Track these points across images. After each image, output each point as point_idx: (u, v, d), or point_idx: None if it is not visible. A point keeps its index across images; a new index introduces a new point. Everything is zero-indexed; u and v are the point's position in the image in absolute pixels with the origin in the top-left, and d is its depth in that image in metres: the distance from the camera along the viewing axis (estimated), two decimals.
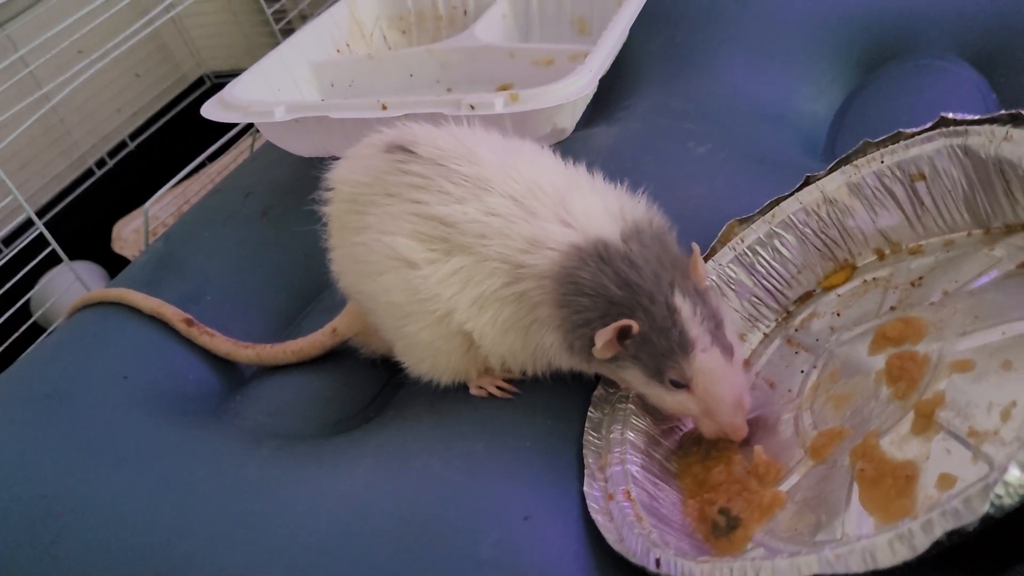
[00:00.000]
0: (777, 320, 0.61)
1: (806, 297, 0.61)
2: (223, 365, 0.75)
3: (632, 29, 0.93)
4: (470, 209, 0.55)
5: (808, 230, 0.60)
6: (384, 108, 0.76)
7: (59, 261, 1.12)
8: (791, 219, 0.60)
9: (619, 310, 0.51)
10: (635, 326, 0.51)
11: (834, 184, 0.59)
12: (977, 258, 0.51)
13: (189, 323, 0.75)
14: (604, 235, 0.53)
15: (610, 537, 0.48)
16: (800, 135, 0.81)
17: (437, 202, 0.56)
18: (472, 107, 0.72)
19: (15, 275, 1.16)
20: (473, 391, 0.61)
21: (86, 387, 0.71)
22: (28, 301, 1.22)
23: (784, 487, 0.49)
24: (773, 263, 0.61)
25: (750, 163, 0.74)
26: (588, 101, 0.81)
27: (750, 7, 0.91)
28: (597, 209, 0.55)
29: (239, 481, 0.60)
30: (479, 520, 0.51)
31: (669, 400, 0.53)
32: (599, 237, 0.53)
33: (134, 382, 0.72)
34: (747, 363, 0.60)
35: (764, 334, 0.61)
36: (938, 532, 0.36)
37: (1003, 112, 0.51)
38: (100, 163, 1.58)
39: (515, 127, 0.75)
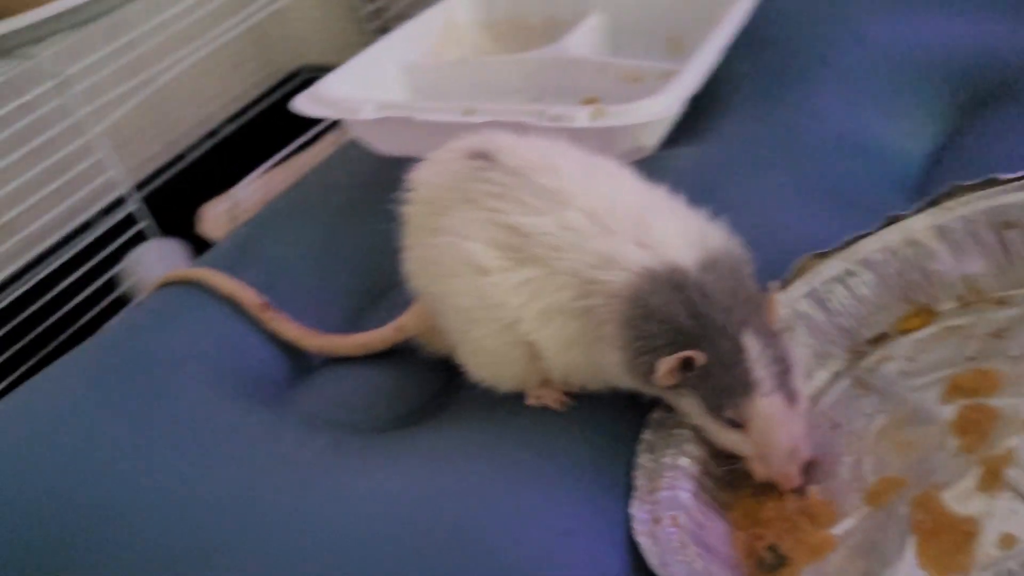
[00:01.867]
0: (847, 360, 0.59)
1: (880, 339, 0.59)
2: (291, 352, 0.76)
3: (727, 49, 0.93)
4: (547, 221, 0.55)
5: (889, 271, 0.58)
6: (469, 113, 0.76)
7: (147, 237, 1.16)
8: (871, 258, 0.59)
9: (686, 340, 0.51)
10: (699, 358, 0.50)
11: (920, 225, 0.57)
12: None
13: (264, 307, 0.77)
14: (680, 262, 0.53)
15: (653, 561, 0.47)
16: (890, 173, 0.79)
17: (514, 211, 0.56)
18: (555, 118, 0.72)
19: (106, 248, 1.20)
20: (530, 401, 0.61)
21: (159, 361, 0.73)
22: (116, 274, 1.27)
23: (837, 530, 0.48)
24: (848, 301, 0.59)
25: (832, 196, 0.72)
26: (673, 121, 0.80)
27: (851, 38, 0.89)
28: (676, 234, 0.54)
29: (293, 468, 0.61)
30: (520, 531, 0.51)
31: (724, 437, 0.52)
32: (675, 263, 0.53)
33: (204, 361, 0.74)
34: (812, 401, 0.58)
35: (833, 373, 0.59)
36: None
37: None
38: (194, 146, 1.63)
39: (597, 142, 0.75)
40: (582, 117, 0.72)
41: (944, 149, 0.81)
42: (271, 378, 0.75)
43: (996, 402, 0.46)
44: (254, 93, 1.73)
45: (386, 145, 0.86)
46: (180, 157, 1.59)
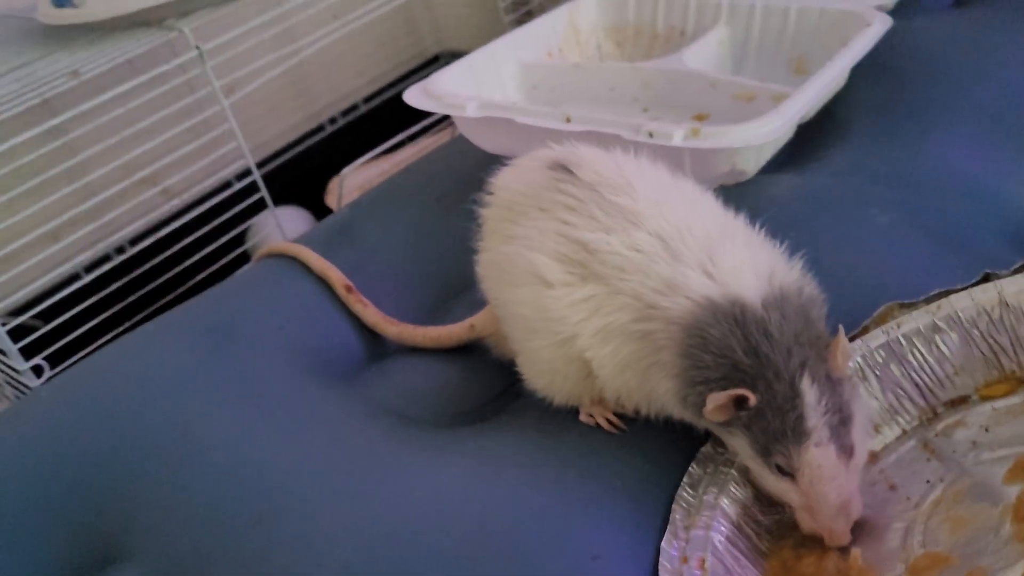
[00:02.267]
0: (920, 419, 0.56)
1: (959, 402, 0.55)
2: (368, 336, 0.78)
3: (854, 77, 0.89)
4: (615, 240, 0.55)
5: (976, 331, 0.55)
6: (568, 121, 0.76)
7: (266, 205, 1.21)
8: (958, 315, 0.55)
9: (741, 377, 0.49)
10: (752, 398, 0.48)
11: (1015, 287, 0.53)
12: None
13: (349, 289, 0.79)
14: (745, 296, 0.51)
15: None
16: (1007, 225, 0.73)
17: (584, 227, 0.56)
18: (651, 135, 0.71)
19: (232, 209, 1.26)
20: (582, 417, 0.60)
21: (245, 329, 0.76)
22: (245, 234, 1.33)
23: None
24: (928, 358, 0.56)
25: (937, 243, 0.68)
26: (777, 146, 0.77)
27: (985, 78, 0.84)
28: (745, 266, 0.53)
29: (349, 450, 0.62)
30: (549, 547, 0.51)
31: (771, 483, 0.51)
32: (739, 297, 0.51)
33: (287, 332, 0.77)
34: (874, 457, 0.55)
35: (903, 431, 0.56)
36: None
37: None
38: (332, 120, 1.69)
39: (693, 162, 0.73)
40: (678, 136, 0.70)
41: None
42: (347, 358, 0.77)
43: None
44: (395, 74, 1.77)
45: (488, 143, 0.86)
46: (319, 128, 1.65)
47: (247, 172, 1.35)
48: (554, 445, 0.59)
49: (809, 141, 0.87)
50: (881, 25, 0.85)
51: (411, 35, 1.80)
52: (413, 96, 0.86)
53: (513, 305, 0.59)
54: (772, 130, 0.70)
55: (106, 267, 1.12)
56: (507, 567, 0.50)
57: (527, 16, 1.62)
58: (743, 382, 0.49)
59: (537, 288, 0.57)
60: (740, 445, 0.51)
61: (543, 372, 0.60)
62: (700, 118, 0.88)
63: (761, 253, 0.54)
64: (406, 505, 0.55)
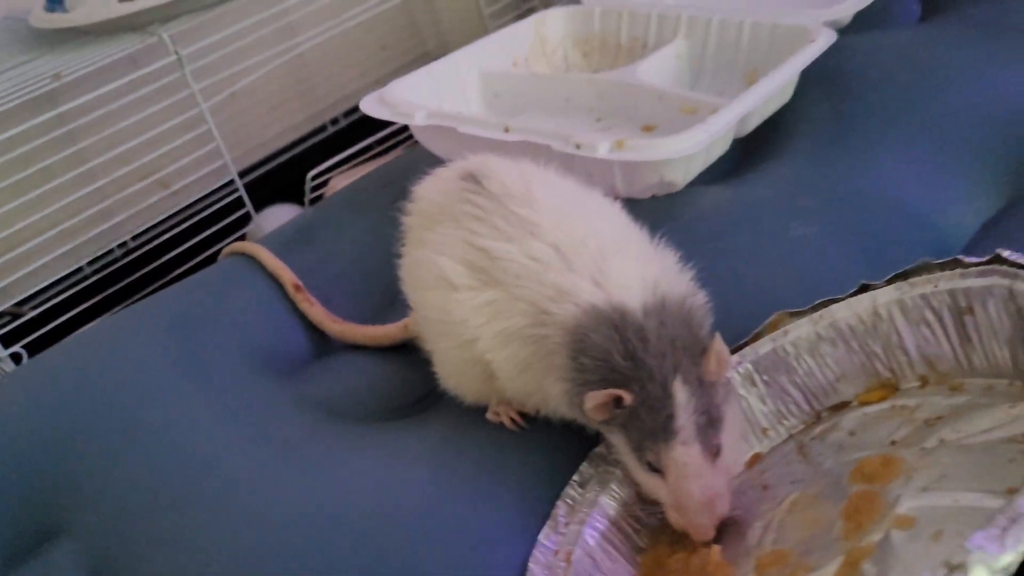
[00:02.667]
0: (805, 423, 0.58)
1: (841, 407, 0.58)
2: (314, 334, 0.82)
3: (803, 90, 0.91)
4: (514, 249, 0.57)
5: (854, 340, 0.57)
6: (506, 131, 0.79)
7: (244, 206, 1.25)
8: (838, 324, 0.57)
9: (617, 378, 0.52)
10: (627, 398, 0.51)
11: (886, 298, 0.55)
12: (995, 412, 0.47)
13: (297, 288, 0.83)
14: (627, 303, 0.53)
15: None
16: (935, 239, 0.75)
17: (488, 235, 0.59)
18: (578, 146, 0.74)
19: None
20: (489, 415, 0.63)
21: (199, 323, 0.80)
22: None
23: None
24: (812, 365, 0.58)
25: (856, 256, 0.70)
26: (708, 159, 0.80)
27: (930, 94, 0.85)
28: (630, 275, 0.55)
29: (274, 439, 0.66)
30: (435, 534, 0.54)
31: (643, 480, 0.53)
32: (621, 304, 0.53)
33: (239, 327, 0.81)
34: (758, 458, 0.58)
35: (789, 434, 0.59)
36: None
37: None
38: (334, 120, 1.73)
39: (623, 174, 0.76)
40: (603, 148, 0.73)
41: (1000, 220, 0.76)
42: (292, 354, 0.81)
43: (884, 492, 0.45)
44: (398, 75, 1.80)
45: (439, 150, 0.90)
46: (322, 128, 1.69)
47: (247, 171, 1.41)
48: (460, 441, 0.62)
49: (754, 153, 0.90)
50: (824, 41, 0.87)
51: (414, 37, 1.83)
52: (368, 104, 0.90)
53: (424, 308, 0.63)
54: (694, 144, 0.72)
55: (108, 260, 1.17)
56: (394, 550, 0.54)
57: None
58: (619, 383, 0.51)
59: (444, 292, 0.60)
60: (619, 443, 0.54)
61: (452, 373, 0.63)
62: (648, 129, 0.90)
63: (651, 264, 0.57)
64: (314, 492, 0.59)
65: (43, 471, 0.67)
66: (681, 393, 0.51)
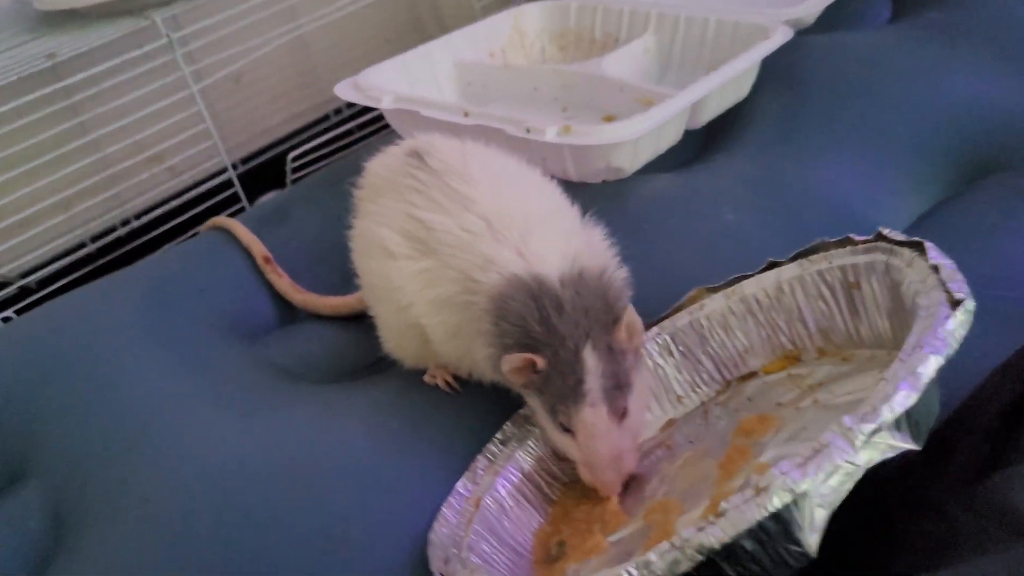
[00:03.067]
0: (717, 391, 0.62)
1: (748, 377, 0.61)
2: (280, 303, 0.87)
3: (763, 85, 0.95)
4: (448, 221, 0.61)
5: (760, 314, 0.60)
6: (466, 115, 0.83)
7: (234, 186, 1.29)
8: (747, 298, 0.61)
9: (532, 344, 0.55)
10: (539, 362, 0.54)
11: (788, 274, 0.59)
12: (864, 378, 0.50)
13: (267, 260, 0.88)
14: (545, 273, 0.57)
15: (435, 526, 0.53)
16: (863, 229, 0.78)
17: (426, 207, 0.62)
18: (528, 131, 0.78)
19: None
20: (426, 378, 0.67)
21: (172, 289, 0.85)
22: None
23: (612, 538, 0.52)
24: (723, 337, 0.62)
25: (782, 242, 0.73)
26: (657, 148, 0.83)
27: (875, 92, 0.89)
28: (551, 248, 0.58)
29: (225, 396, 0.70)
30: (355, 480, 0.58)
31: (557, 439, 0.57)
32: (539, 274, 0.57)
33: (214, 295, 0.86)
34: (671, 423, 0.62)
35: (701, 402, 0.62)
36: None
37: (917, 239, 0.50)
38: (338, 110, 1.77)
39: (573, 158, 0.80)
40: (551, 132, 0.77)
41: (933, 214, 0.80)
42: (258, 321, 0.86)
43: (755, 445, 0.48)
44: None
45: (406, 133, 0.94)
46: (325, 118, 1.73)
47: (251, 156, 1.45)
48: (397, 401, 0.66)
49: (709, 146, 0.93)
50: (780, 38, 0.90)
51: (418, 32, 1.86)
52: (343, 88, 0.94)
53: (367, 275, 0.67)
54: (636, 131, 0.76)
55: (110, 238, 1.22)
56: (316, 492, 0.58)
57: None
58: (534, 348, 0.55)
59: (384, 260, 0.64)
60: (535, 405, 0.57)
61: (391, 337, 0.67)
62: (609, 119, 0.94)
63: (573, 238, 0.60)
64: (250, 441, 0.63)
65: (15, 417, 0.72)
66: (591, 359, 0.54)
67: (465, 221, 0.61)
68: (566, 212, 0.64)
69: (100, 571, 0.56)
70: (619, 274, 0.60)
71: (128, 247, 1.25)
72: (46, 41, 1.09)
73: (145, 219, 1.28)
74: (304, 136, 1.66)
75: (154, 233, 1.25)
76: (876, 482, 0.50)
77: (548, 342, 0.55)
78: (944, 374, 0.43)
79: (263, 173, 1.44)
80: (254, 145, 1.54)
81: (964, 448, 0.46)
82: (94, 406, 0.70)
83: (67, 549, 0.60)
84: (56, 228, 1.16)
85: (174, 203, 1.28)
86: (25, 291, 1.14)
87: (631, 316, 0.56)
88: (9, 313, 1.05)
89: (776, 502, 0.38)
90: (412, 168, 0.65)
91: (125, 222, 1.28)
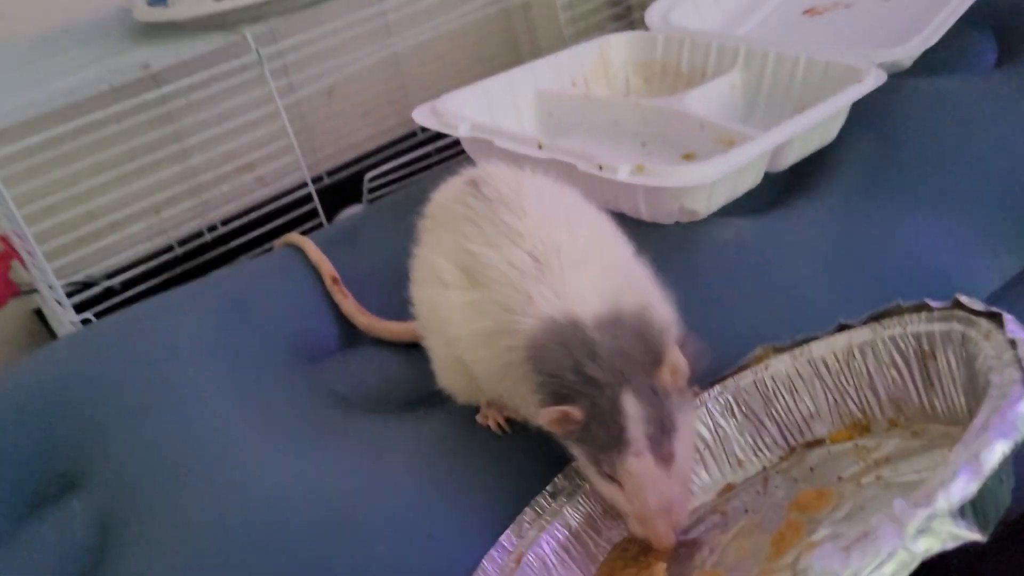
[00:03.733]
0: (780, 457, 0.59)
1: (814, 444, 0.58)
2: (344, 325, 0.87)
3: (853, 129, 0.91)
4: (495, 255, 0.59)
5: (829, 378, 0.57)
6: (540, 147, 0.82)
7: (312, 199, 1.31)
8: (815, 361, 0.58)
9: (567, 394, 0.53)
10: (575, 414, 0.52)
11: (859, 338, 0.56)
12: (934, 455, 0.47)
13: (335, 280, 0.88)
14: (580, 316, 0.54)
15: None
16: (947, 292, 0.74)
17: (476, 239, 0.61)
18: (600, 168, 0.76)
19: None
20: (478, 417, 0.66)
21: (240, 307, 0.86)
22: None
23: None
24: (789, 400, 0.59)
25: (858, 301, 0.69)
26: (733, 191, 0.81)
27: (970, 146, 0.84)
28: (590, 289, 0.56)
29: (278, 419, 0.71)
30: (393, 521, 0.58)
31: (604, 490, 0.54)
32: (574, 317, 0.54)
33: (275, 314, 0.86)
34: (730, 488, 0.59)
35: (763, 467, 0.59)
36: None
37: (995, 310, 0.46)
38: (424, 128, 1.78)
39: (646, 199, 0.78)
40: (623, 171, 0.75)
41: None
42: (320, 342, 0.86)
43: (810, 521, 0.46)
44: None
45: (480, 162, 0.93)
46: (412, 134, 1.74)
47: (338, 169, 1.47)
48: (446, 439, 0.65)
49: (791, 190, 0.90)
50: (872, 82, 0.87)
51: (511, 50, 1.86)
52: (420, 113, 0.94)
53: (420, 304, 0.66)
54: (712, 173, 0.74)
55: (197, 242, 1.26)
56: (351, 530, 0.57)
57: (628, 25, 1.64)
58: (570, 398, 0.52)
59: (436, 289, 0.63)
60: (578, 456, 0.55)
61: (442, 370, 0.66)
62: (688, 156, 0.92)
63: (615, 276, 0.57)
64: (292, 471, 0.63)
65: (74, 427, 0.73)
66: (631, 406, 0.51)
67: (512, 256, 0.59)
68: (614, 247, 0.61)
69: None
70: (663, 310, 0.57)
71: (213, 253, 1.28)
72: (143, 51, 1.13)
73: (231, 226, 1.30)
74: (389, 152, 1.68)
75: (239, 242, 1.27)
76: (941, 572, 0.47)
77: (584, 391, 0.52)
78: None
79: (350, 186, 1.45)
80: (342, 158, 1.57)
81: None
82: (150, 422, 0.71)
83: (110, 564, 0.61)
84: (145, 232, 1.19)
85: (258, 212, 1.30)
86: (110, 292, 1.17)
87: (675, 356, 0.53)
88: (89, 315, 1.08)
89: None
90: (468, 196, 0.64)
91: (211, 228, 1.31)
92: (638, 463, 0.52)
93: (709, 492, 0.59)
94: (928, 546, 0.36)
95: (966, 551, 0.39)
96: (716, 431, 0.60)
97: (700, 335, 0.58)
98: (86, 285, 1.14)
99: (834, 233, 0.77)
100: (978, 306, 0.48)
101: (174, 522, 0.60)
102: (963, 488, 0.36)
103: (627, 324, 0.54)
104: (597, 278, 0.56)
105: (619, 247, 0.61)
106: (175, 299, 0.90)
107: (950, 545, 0.36)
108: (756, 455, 0.60)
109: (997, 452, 0.37)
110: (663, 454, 0.52)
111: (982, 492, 0.37)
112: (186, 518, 0.60)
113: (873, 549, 0.35)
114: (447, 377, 0.66)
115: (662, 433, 0.52)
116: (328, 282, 0.88)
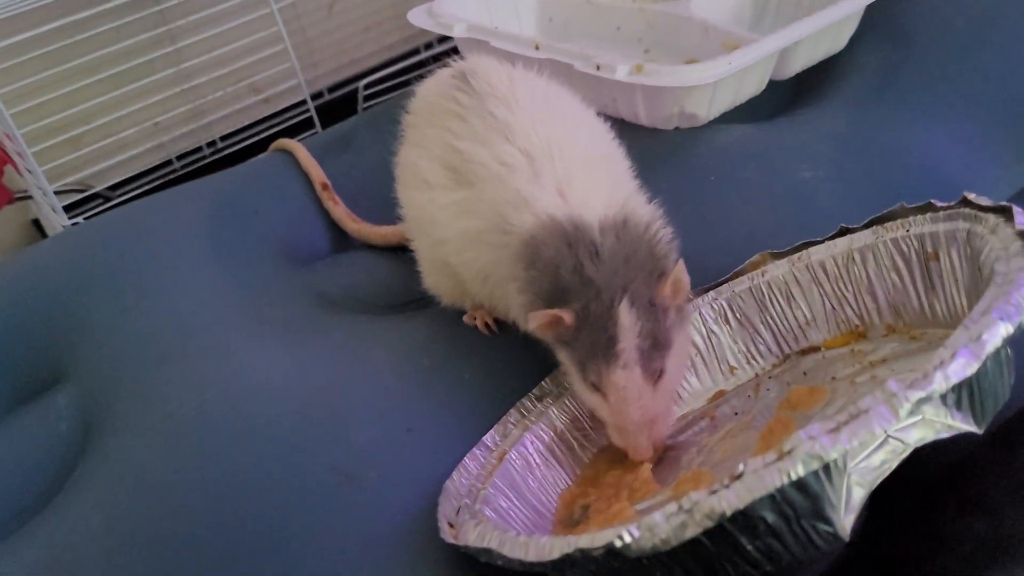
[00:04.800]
0: (774, 364, 0.58)
1: (809, 351, 0.57)
2: (334, 231, 0.85)
3: (862, 37, 0.87)
4: (486, 152, 0.56)
5: (827, 284, 0.55)
6: (536, 48, 0.79)
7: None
8: (813, 266, 0.56)
9: (561, 296, 0.50)
10: (567, 318, 0.49)
11: (860, 242, 0.54)
12: (932, 356, 0.45)
13: (324, 186, 0.86)
14: (584, 218, 0.51)
15: (455, 475, 0.51)
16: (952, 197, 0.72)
17: (464, 135, 0.57)
18: (598, 67, 0.73)
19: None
20: (465, 319, 0.64)
21: (229, 209, 0.84)
22: None
23: (640, 506, 0.49)
24: (784, 306, 0.57)
25: (861, 207, 0.67)
26: (736, 96, 0.78)
27: (981, 48, 0.81)
28: (596, 192, 0.53)
29: (267, 315, 0.69)
30: (374, 414, 0.57)
31: (587, 398, 0.52)
32: (579, 218, 0.51)
33: (264, 217, 0.84)
34: (721, 395, 0.57)
35: (756, 374, 0.58)
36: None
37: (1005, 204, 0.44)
38: (428, 45, 1.74)
39: (645, 101, 0.75)
40: (621, 71, 0.72)
41: None
42: (309, 247, 0.84)
43: (800, 417, 0.44)
44: None
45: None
46: (414, 51, 1.70)
47: (339, 85, 1.43)
48: (430, 338, 0.64)
49: (798, 99, 0.87)
50: None
51: None
52: (416, 14, 0.91)
53: (406, 206, 0.64)
54: (713, 75, 0.71)
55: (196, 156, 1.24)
56: (332, 420, 0.56)
57: None
58: (564, 300, 0.50)
59: (422, 190, 0.60)
60: (565, 360, 0.53)
61: (429, 271, 0.64)
62: (691, 62, 0.88)
63: (619, 183, 0.55)
64: (278, 369, 0.61)
65: (59, 321, 0.72)
66: (627, 315, 0.49)
67: (503, 153, 0.55)
68: (618, 158, 0.58)
69: (116, 480, 0.56)
70: (666, 230, 0.54)
71: (213, 169, 1.26)
72: None
73: (230, 142, 1.27)
74: (393, 68, 1.64)
75: (236, 150, 1.25)
76: (925, 474, 0.46)
77: (579, 294, 0.49)
78: (1019, 360, 0.38)
79: (351, 103, 1.42)
80: (344, 74, 1.52)
81: None
82: (137, 313, 0.70)
83: (92, 453, 0.60)
84: (142, 142, 1.17)
85: (258, 129, 1.27)
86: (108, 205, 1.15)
87: (680, 272, 0.50)
88: (79, 220, 1.06)
89: (800, 469, 0.34)
90: (455, 91, 0.60)
91: (211, 143, 1.29)
92: (625, 376, 0.49)
93: (699, 399, 0.58)
94: (921, 435, 0.34)
95: (954, 449, 0.37)
96: (709, 338, 0.58)
97: (699, 244, 0.56)
98: (82, 193, 1.12)
99: (840, 138, 0.74)
100: (986, 202, 0.46)
101: (154, 413, 0.59)
102: (962, 369, 0.34)
103: (634, 232, 0.51)
104: (605, 183, 0.53)
105: (622, 159, 0.58)
106: (166, 199, 0.88)
107: (944, 435, 0.34)
108: (749, 362, 0.58)
109: (999, 332, 0.35)
110: (652, 369, 0.49)
111: (981, 382, 0.35)
112: (167, 409, 0.59)
113: (865, 430, 0.33)
114: (432, 279, 0.64)
115: (654, 348, 0.49)
116: (318, 188, 0.86)
